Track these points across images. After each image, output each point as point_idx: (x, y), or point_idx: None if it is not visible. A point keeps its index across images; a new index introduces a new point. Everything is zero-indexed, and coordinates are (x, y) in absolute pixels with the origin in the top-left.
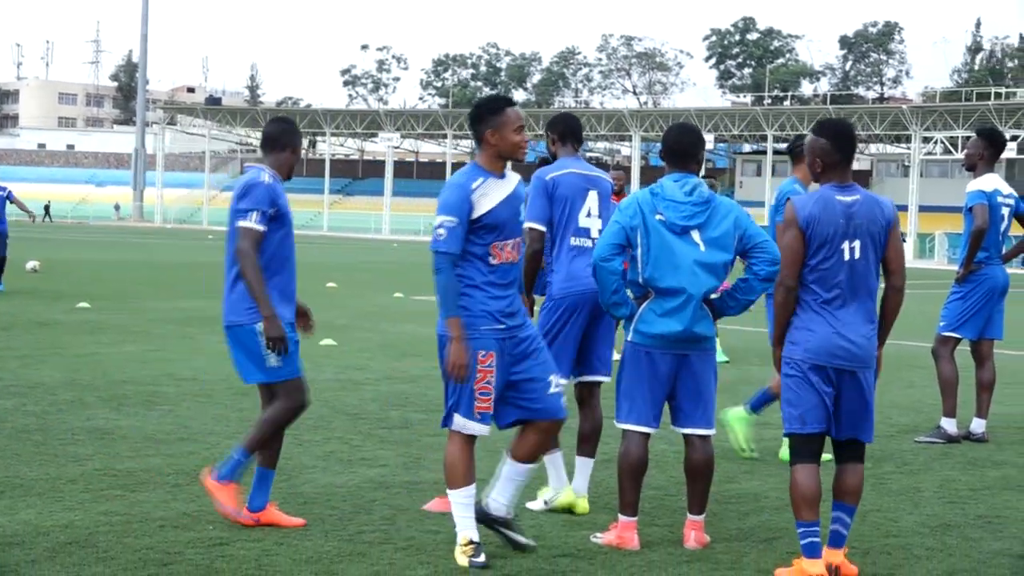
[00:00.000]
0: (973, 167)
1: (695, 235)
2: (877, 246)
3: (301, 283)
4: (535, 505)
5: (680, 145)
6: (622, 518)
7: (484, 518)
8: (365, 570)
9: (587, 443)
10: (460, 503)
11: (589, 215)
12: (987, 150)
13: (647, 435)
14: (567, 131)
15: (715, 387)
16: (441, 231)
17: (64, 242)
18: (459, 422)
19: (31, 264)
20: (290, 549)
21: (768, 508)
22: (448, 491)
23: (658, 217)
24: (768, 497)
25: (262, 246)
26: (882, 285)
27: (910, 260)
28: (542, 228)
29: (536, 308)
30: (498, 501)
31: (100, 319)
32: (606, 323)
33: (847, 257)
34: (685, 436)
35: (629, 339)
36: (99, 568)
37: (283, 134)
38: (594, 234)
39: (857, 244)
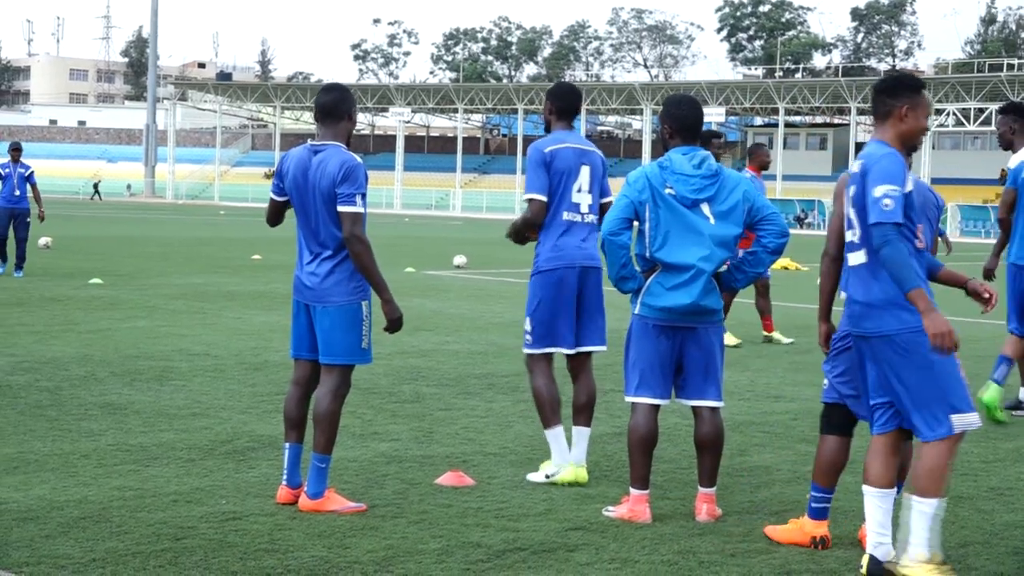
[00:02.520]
0: (1010, 144)
1: (705, 208)
2: (933, 227)
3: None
4: (535, 477)
5: (690, 119)
6: (633, 491)
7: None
8: (377, 544)
9: (582, 413)
10: (938, 516)
11: (580, 190)
12: (1016, 123)
13: (656, 408)
14: (567, 108)
15: (722, 359)
16: (888, 201)
17: (76, 218)
18: (960, 421)
19: (43, 240)
20: (303, 523)
21: (779, 481)
22: (923, 499)
23: (668, 191)
24: (780, 470)
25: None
26: None
27: None
28: (544, 198)
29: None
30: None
31: (113, 295)
32: (595, 294)
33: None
34: (694, 409)
35: (636, 312)
36: (113, 543)
37: (341, 102)
38: (583, 209)
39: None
